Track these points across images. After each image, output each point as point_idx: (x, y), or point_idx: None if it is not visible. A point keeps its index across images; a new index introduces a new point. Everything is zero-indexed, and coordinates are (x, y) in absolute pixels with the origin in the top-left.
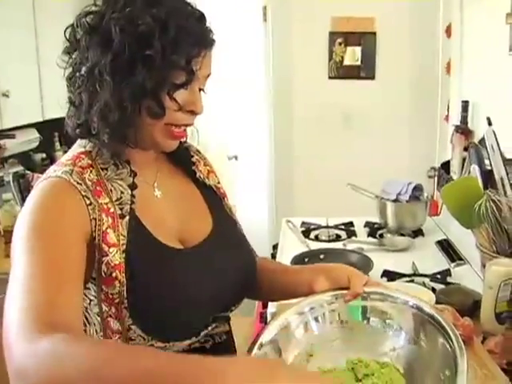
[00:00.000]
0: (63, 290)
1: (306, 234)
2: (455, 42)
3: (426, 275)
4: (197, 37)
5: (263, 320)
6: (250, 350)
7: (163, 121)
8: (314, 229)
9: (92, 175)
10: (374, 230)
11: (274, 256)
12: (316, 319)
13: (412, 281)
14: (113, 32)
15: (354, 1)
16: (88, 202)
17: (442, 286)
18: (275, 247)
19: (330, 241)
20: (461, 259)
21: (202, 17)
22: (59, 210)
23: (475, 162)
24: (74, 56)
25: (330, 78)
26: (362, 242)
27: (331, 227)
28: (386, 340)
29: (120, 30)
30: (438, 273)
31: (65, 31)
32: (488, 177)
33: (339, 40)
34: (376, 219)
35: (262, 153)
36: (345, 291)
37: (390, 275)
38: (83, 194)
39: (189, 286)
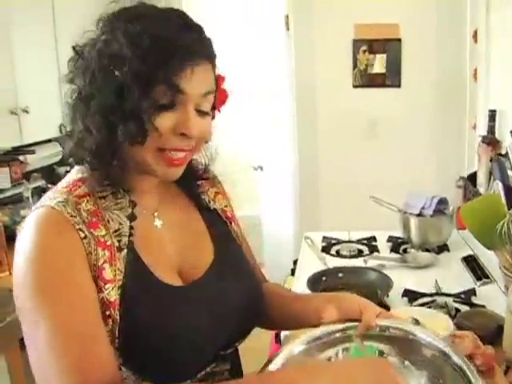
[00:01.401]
0: (91, 351)
1: (327, 249)
2: (481, 48)
3: (449, 295)
4: (176, 48)
5: (278, 340)
6: None
7: (152, 145)
8: (335, 244)
9: (89, 205)
10: (397, 245)
11: (293, 272)
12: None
13: (434, 301)
14: (90, 56)
15: (378, 7)
16: (83, 235)
17: (466, 307)
18: (296, 262)
19: (351, 256)
20: (487, 277)
21: (191, 27)
22: (59, 254)
23: (498, 177)
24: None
25: (354, 86)
26: (383, 259)
27: (353, 242)
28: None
29: (96, 52)
30: (463, 292)
31: (68, 62)
32: None
33: (363, 48)
34: (400, 233)
35: (286, 164)
36: (355, 323)
37: (410, 295)
38: (77, 227)
39: (186, 328)
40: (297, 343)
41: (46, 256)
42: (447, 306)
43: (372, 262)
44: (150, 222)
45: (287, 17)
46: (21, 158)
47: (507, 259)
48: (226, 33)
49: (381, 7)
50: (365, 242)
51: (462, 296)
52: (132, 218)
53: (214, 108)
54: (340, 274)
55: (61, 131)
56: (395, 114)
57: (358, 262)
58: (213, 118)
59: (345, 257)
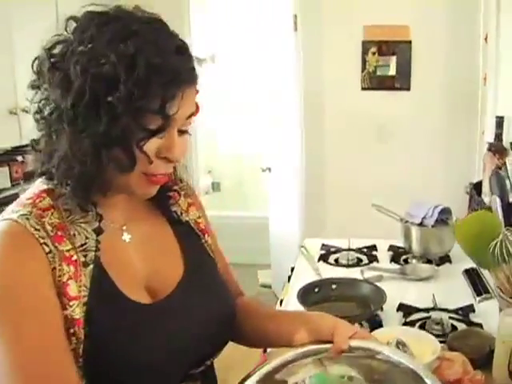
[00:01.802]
0: (61, 368)
1: (326, 257)
2: (490, 52)
3: (446, 310)
4: (172, 75)
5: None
6: None
7: (138, 170)
8: (334, 252)
9: (53, 218)
10: (398, 254)
11: (289, 279)
12: None
13: (429, 317)
14: (72, 72)
15: (388, 9)
16: (47, 249)
17: (463, 325)
18: (293, 269)
19: (349, 266)
20: (488, 292)
21: (180, 48)
22: (21, 272)
23: (496, 191)
24: (40, 92)
25: (362, 89)
26: (381, 270)
27: (353, 250)
28: None
29: (81, 70)
30: (461, 308)
31: (32, 63)
32: (510, 210)
33: (372, 49)
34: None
35: (293, 166)
36: (328, 345)
37: (405, 309)
38: (41, 241)
39: (151, 348)
40: (267, 367)
41: (7, 273)
42: (442, 322)
43: (369, 273)
44: (118, 236)
45: (295, 16)
46: (20, 157)
47: (502, 281)
48: (234, 31)
49: (391, 8)
50: (365, 250)
51: (460, 312)
52: (99, 231)
53: None
54: (333, 286)
55: (32, 146)
56: (404, 118)
57: (356, 272)
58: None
59: (343, 266)
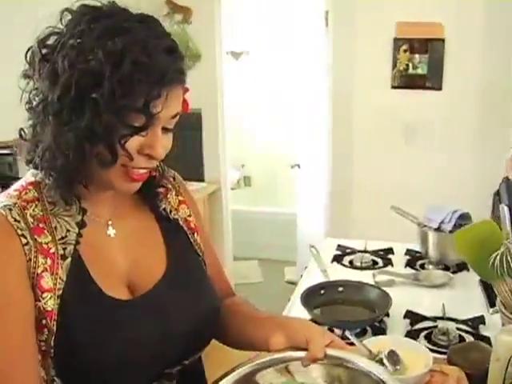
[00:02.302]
0: (15, 366)
1: (340, 258)
2: None
3: (455, 320)
4: (158, 75)
5: None
6: None
7: (118, 164)
8: (350, 253)
9: (36, 210)
10: (414, 259)
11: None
12: None
13: (436, 326)
14: (60, 66)
15: (421, 5)
16: (24, 241)
17: (470, 337)
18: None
19: (362, 268)
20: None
21: (170, 48)
22: None
23: (505, 200)
24: (32, 82)
25: (393, 87)
26: (394, 274)
27: (368, 252)
28: None
29: (69, 64)
30: (471, 319)
31: (26, 53)
32: None
33: (404, 47)
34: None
35: (321, 163)
36: (302, 353)
37: (412, 317)
38: (19, 233)
39: (125, 344)
40: (240, 371)
41: None
42: (448, 333)
43: (381, 277)
44: (103, 230)
45: (327, 13)
46: None
47: (504, 294)
48: (266, 27)
49: (424, 5)
50: (381, 253)
51: (469, 323)
52: (81, 225)
53: None
54: (340, 288)
55: (20, 135)
56: (434, 119)
57: (368, 275)
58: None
59: (356, 268)
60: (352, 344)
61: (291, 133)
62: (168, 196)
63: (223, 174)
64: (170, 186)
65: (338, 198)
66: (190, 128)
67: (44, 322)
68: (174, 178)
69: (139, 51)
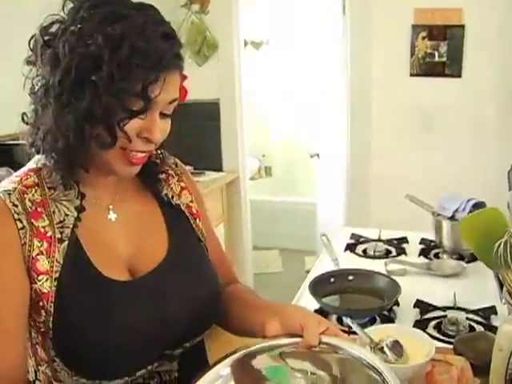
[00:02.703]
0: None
1: (353, 247)
2: None
3: (466, 310)
4: (155, 59)
5: None
6: None
7: (117, 146)
8: (363, 242)
9: (36, 195)
10: (428, 249)
11: None
12: None
13: (446, 316)
14: (61, 50)
15: None
16: (20, 225)
17: (480, 327)
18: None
19: (375, 257)
20: None
21: (167, 34)
22: None
23: None
24: (35, 68)
25: (411, 75)
26: (406, 263)
27: (382, 241)
28: None
29: (69, 48)
30: (482, 309)
31: (29, 40)
32: None
33: (423, 34)
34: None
35: (340, 152)
36: (298, 339)
37: (422, 306)
38: (16, 217)
39: (123, 325)
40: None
41: None
42: (458, 322)
43: (393, 266)
44: (104, 215)
45: (344, 0)
46: None
47: (510, 283)
48: (284, 17)
49: None
50: (395, 242)
51: (480, 313)
52: (80, 209)
53: None
54: (350, 277)
55: (23, 119)
56: (454, 107)
57: (381, 264)
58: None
59: (369, 257)
60: (354, 333)
61: (311, 122)
62: (170, 182)
63: (241, 163)
64: (171, 173)
65: (357, 187)
66: (208, 118)
67: (41, 303)
68: (176, 165)
69: (137, 36)
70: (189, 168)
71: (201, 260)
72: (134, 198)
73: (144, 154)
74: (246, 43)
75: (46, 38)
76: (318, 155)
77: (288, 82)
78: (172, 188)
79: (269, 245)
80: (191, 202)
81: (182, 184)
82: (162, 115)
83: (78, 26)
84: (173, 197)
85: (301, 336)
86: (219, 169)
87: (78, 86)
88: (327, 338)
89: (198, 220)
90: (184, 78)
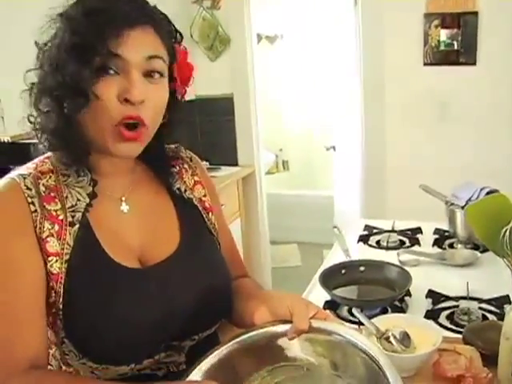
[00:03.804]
0: (21, 330)
1: (366, 238)
2: None
3: (479, 299)
4: (114, 16)
5: None
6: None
7: (104, 119)
8: (376, 233)
9: (50, 181)
10: (442, 239)
11: None
12: None
13: (457, 306)
14: (41, 44)
15: None
16: (33, 208)
17: (493, 317)
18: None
19: (388, 248)
20: None
21: None
22: (5, 220)
23: None
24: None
25: (425, 64)
26: (419, 254)
27: (395, 232)
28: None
29: (45, 43)
30: (495, 299)
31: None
32: None
33: (435, 22)
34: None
35: (355, 144)
36: (288, 325)
37: (434, 296)
38: (29, 200)
39: (130, 309)
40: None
41: None
42: (470, 312)
43: (406, 257)
44: (116, 206)
45: None
46: None
47: None
48: (297, 9)
49: None
50: (408, 233)
51: (493, 303)
52: (92, 195)
53: (174, 79)
54: (361, 268)
55: (29, 121)
56: (469, 95)
57: (395, 255)
58: (180, 93)
59: (383, 248)
60: (361, 323)
61: (327, 115)
62: (184, 176)
63: (257, 157)
64: (186, 166)
65: (372, 178)
66: (222, 113)
67: (51, 284)
68: (190, 159)
69: (94, 1)
70: (204, 163)
71: (212, 253)
72: (147, 190)
73: (135, 130)
74: (260, 38)
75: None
76: (333, 148)
77: (302, 76)
78: (185, 182)
79: (287, 239)
80: (204, 196)
81: (196, 178)
82: (149, 78)
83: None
84: (185, 190)
85: (290, 322)
86: (235, 163)
87: (47, 64)
88: (317, 323)
89: (210, 214)
90: (184, 53)
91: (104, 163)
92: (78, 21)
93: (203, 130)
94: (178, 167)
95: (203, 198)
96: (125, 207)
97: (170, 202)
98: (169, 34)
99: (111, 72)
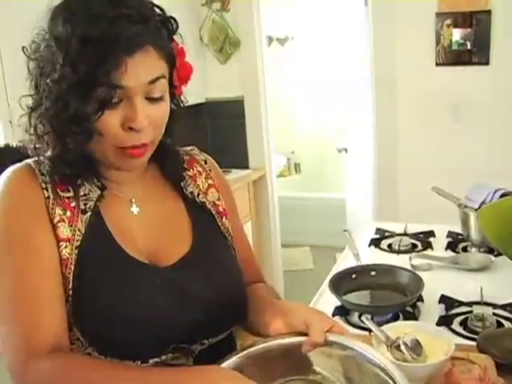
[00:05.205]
0: (42, 311)
1: (378, 242)
2: None
3: (493, 305)
4: (109, 45)
5: None
6: None
7: (109, 144)
8: (388, 237)
9: (63, 170)
10: (456, 242)
11: None
12: None
13: (471, 311)
14: (31, 61)
15: None
16: (47, 194)
17: (508, 323)
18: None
19: (399, 252)
20: None
21: (118, 17)
22: (20, 206)
23: None
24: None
25: (437, 64)
26: (432, 258)
27: (408, 235)
28: None
29: (35, 58)
30: (510, 304)
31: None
32: None
33: (447, 22)
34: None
35: (367, 146)
36: (303, 338)
37: (447, 302)
38: (43, 186)
39: (139, 301)
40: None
41: (9, 206)
42: (484, 318)
43: (418, 261)
44: (126, 207)
45: None
46: None
47: None
48: (309, 10)
49: None
50: (421, 236)
51: (508, 308)
52: (102, 188)
53: (174, 86)
54: (372, 273)
55: (27, 130)
56: (482, 95)
57: (407, 259)
58: (179, 94)
59: (394, 251)
60: (371, 331)
61: (338, 117)
62: (197, 179)
63: (268, 160)
64: (200, 169)
65: (384, 180)
66: (233, 116)
67: (61, 269)
68: (205, 162)
69: (88, 27)
70: None
71: (224, 257)
72: (159, 193)
73: (140, 149)
74: (271, 40)
75: (26, 52)
76: (345, 150)
77: (314, 77)
78: (199, 185)
79: (299, 242)
80: (218, 199)
81: (210, 181)
82: (151, 100)
83: (41, 31)
84: (198, 194)
85: (306, 334)
86: (245, 166)
87: (46, 93)
88: (333, 336)
89: (224, 218)
90: (182, 53)
91: (112, 173)
92: (75, 52)
93: (213, 133)
94: (191, 170)
95: (217, 202)
96: (135, 209)
97: (183, 206)
98: (168, 38)
99: (114, 101)
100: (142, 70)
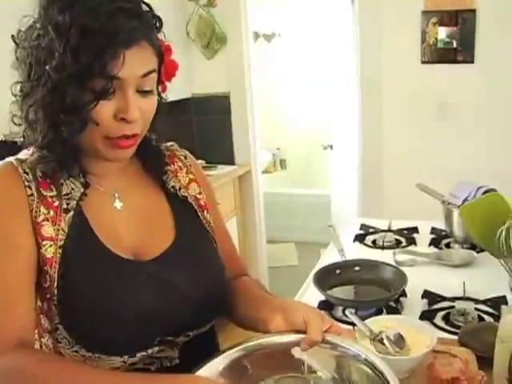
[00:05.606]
0: (14, 303)
1: (362, 238)
2: None
3: (475, 300)
4: (108, 37)
5: None
6: None
7: (98, 134)
8: (372, 233)
9: (46, 168)
10: (439, 238)
11: None
12: None
13: (453, 306)
14: (25, 48)
15: None
16: (30, 192)
17: (490, 318)
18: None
19: (384, 248)
20: None
21: (117, 10)
22: (2, 200)
23: None
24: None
25: (422, 62)
26: (415, 254)
27: (392, 231)
28: None
29: (30, 45)
30: (491, 299)
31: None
32: None
33: (433, 20)
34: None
35: (353, 143)
36: (302, 335)
37: (430, 297)
38: (26, 184)
39: (123, 298)
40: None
41: None
42: (466, 313)
43: (402, 257)
44: (109, 202)
45: None
46: None
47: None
48: (295, 7)
49: None
50: (405, 232)
51: (489, 304)
52: (85, 185)
53: (161, 82)
54: (357, 268)
55: (14, 122)
56: (467, 94)
57: (391, 255)
58: (163, 90)
59: (379, 248)
60: (355, 325)
61: (324, 114)
62: (178, 174)
63: (253, 156)
64: (180, 165)
65: (370, 177)
66: (219, 111)
67: (46, 268)
68: (185, 157)
69: (87, 18)
70: (200, 162)
71: (207, 250)
72: (141, 188)
73: (129, 140)
74: (257, 36)
75: (16, 39)
76: (331, 147)
77: (300, 74)
78: (180, 180)
79: (284, 238)
80: (199, 193)
81: (191, 176)
82: (141, 92)
83: (37, 19)
84: (180, 188)
85: (304, 332)
86: (231, 162)
87: (41, 81)
88: (331, 336)
89: (205, 212)
90: (169, 50)
91: (95, 165)
92: (74, 42)
93: (199, 128)
94: (172, 165)
95: (198, 196)
96: (118, 204)
97: (165, 200)
98: (156, 31)
99: (110, 92)
100: (136, 63)
